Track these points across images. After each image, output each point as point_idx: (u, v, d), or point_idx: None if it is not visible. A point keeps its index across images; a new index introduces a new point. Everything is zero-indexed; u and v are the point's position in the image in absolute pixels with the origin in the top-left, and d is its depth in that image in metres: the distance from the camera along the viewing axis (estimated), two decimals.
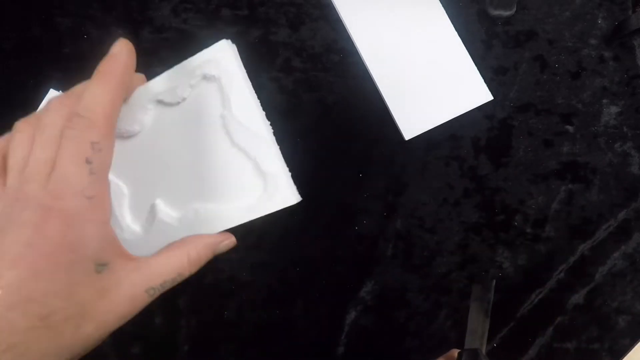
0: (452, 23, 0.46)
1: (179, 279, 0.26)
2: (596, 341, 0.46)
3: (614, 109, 0.46)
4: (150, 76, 0.29)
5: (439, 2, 0.46)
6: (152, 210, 0.30)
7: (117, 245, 0.25)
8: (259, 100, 0.28)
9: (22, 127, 0.25)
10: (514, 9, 0.46)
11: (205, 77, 0.28)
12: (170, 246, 0.28)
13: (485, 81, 0.45)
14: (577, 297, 0.46)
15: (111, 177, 0.29)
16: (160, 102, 0.29)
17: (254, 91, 0.28)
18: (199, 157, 0.29)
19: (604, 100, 0.46)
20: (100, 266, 0.23)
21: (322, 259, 0.45)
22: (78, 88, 0.26)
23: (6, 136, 0.26)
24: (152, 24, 0.44)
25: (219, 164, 0.28)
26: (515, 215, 0.46)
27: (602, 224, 0.46)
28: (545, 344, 0.46)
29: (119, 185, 0.30)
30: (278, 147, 0.28)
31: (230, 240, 0.29)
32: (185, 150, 0.29)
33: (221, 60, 0.27)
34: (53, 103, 0.25)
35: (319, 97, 0.45)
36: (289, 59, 0.45)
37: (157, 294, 0.26)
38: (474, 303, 0.41)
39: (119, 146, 0.28)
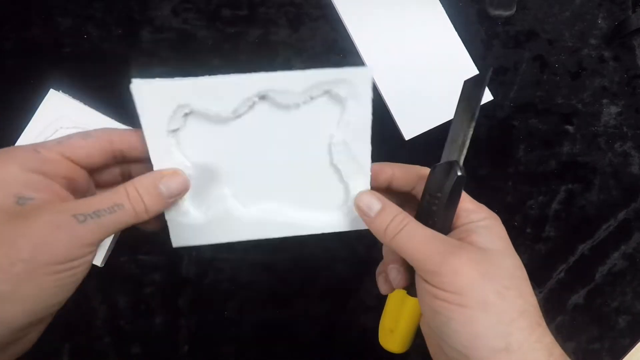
0: (452, 23, 0.46)
1: (122, 213, 0.24)
2: (596, 341, 0.46)
3: (614, 109, 0.46)
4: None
5: (439, 2, 0.46)
6: (220, 199, 0.29)
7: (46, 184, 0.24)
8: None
9: None
10: (514, 9, 0.46)
11: (330, 94, 0.28)
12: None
13: None
14: (577, 297, 0.46)
15: (182, 157, 0.28)
16: (266, 98, 0.27)
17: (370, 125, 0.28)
18: (289, 163, 0.29)
19: (604, 100, 0.46)
20: (23, 199, 0.23)
21: (322, 259, 0.45)
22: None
23: None
24: (152, 24, 0.44)
25: (309, 175, 0.29)
26: (515, 215, 0.46)
27: (602, 224, 0.46)
28: None
29: (187, 167, 0.28)
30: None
31: (177, 180, 0.27)
32: (276, 152, 0.29)
33: (358, 86, 0.27)
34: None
35: None
36: (289, 59, 0.45)
37: (93, 223, 0.23)
38: (460, 104, 0.29)
39: (205, 127, 0.28)
